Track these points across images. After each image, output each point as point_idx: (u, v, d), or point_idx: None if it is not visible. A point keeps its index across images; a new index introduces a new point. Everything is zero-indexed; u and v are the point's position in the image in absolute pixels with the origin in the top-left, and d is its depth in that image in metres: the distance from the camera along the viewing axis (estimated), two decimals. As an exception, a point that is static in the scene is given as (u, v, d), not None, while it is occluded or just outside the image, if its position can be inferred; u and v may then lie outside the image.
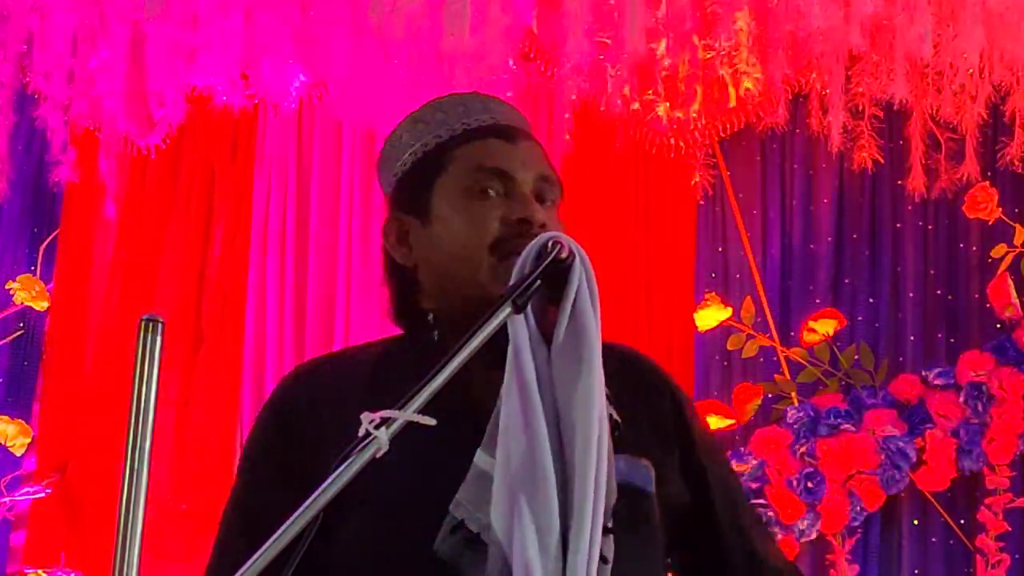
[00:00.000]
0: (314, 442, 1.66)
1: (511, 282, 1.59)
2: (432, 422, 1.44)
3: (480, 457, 1.61)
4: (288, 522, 1.36)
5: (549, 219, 1.73)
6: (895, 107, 4.50)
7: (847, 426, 4.46)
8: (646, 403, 1.78)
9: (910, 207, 4.70)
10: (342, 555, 1.65)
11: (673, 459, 1.76)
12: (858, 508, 4.46)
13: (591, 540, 1.54)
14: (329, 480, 1.38)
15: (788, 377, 4.64)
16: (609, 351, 1.69)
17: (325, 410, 1.70)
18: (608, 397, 1.65)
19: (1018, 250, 4.56)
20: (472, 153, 1.76)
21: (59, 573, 4.62)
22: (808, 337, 4.61)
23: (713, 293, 4.71)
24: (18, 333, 4.90)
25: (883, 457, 4.43)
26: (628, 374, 1.79)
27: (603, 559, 1.58)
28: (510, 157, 1.75)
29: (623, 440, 1.67)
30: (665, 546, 1.73)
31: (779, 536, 4.44)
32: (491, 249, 1.68)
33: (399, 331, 1.84)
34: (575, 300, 1.61)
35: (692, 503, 1.76)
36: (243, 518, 1.72)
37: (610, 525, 1.59)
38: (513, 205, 1.71)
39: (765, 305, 4.72)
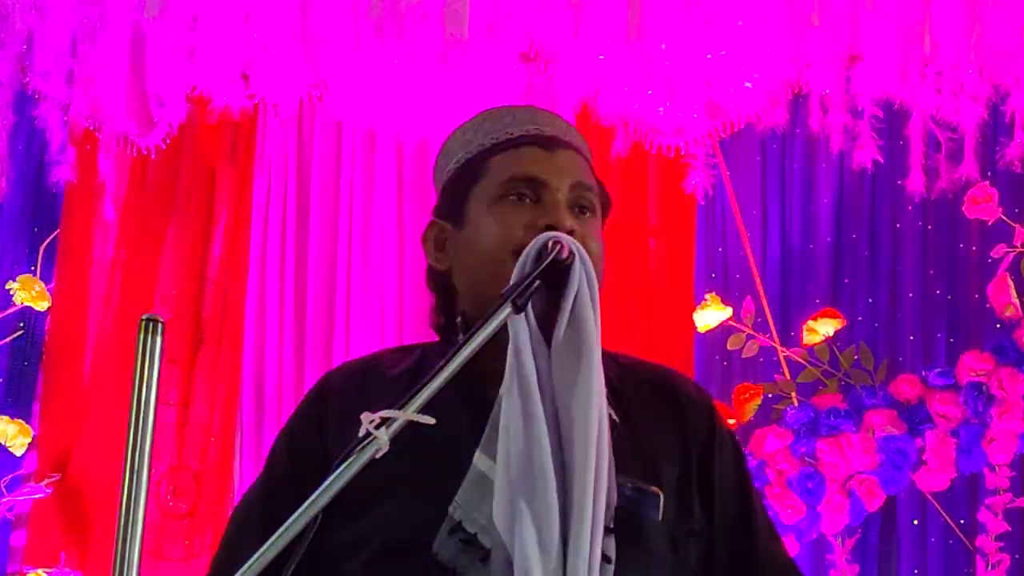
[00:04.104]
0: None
1: (511, 282, 1.60)
2: (431, 421, 1.44)
3: (479, 458, 1.61)
4: (288, 522, 1.36)
5: (583, 227, 1.73)
6: (895, 107, 4.51)
7: (847, 426, 4.46)
8: (673, 424, 1.77)
9: (910, 207, 4.70)
10: (345, 557, 1.65)
11: (695, 483, 1.75)
12: (858, 508, 4.46)
13: (591, 540, 1.54)
14: (329, 480, 1.38)
15: (788, 377, 4.64)
16: (635, 371, 1.69)
17: (347, 425, 1.65)
18: (609, 399, 1.66)
19: (1018, 250, 4.56)
20: (508, 160, 1.77)
21: (59, 573, 4.62)
22: (808, 337, 4.61)
23: (713, 293, 4.71)
24: (18, 333, 4.90)
25: (883, 457, 4.43)
26: (654, 395, 1.78)
27: (606, 559, 1.58)
28: (545, 164, 1.76)
29: (636, 465, 1.67)
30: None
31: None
32: (515, 254, 1.66)
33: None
34: (575, 300, 1.61)
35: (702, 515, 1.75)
36: (264, 512, 1.71)
37: (611, 525, 1.59)
38: (542, 211, 1.72)
39: (765, 305, 4.72)
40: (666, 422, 1.77)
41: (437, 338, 1.83)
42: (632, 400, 1.74)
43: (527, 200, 1.74)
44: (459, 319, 1.77)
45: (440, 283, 1.81)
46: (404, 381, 1.73)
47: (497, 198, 1.75)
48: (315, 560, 1.49)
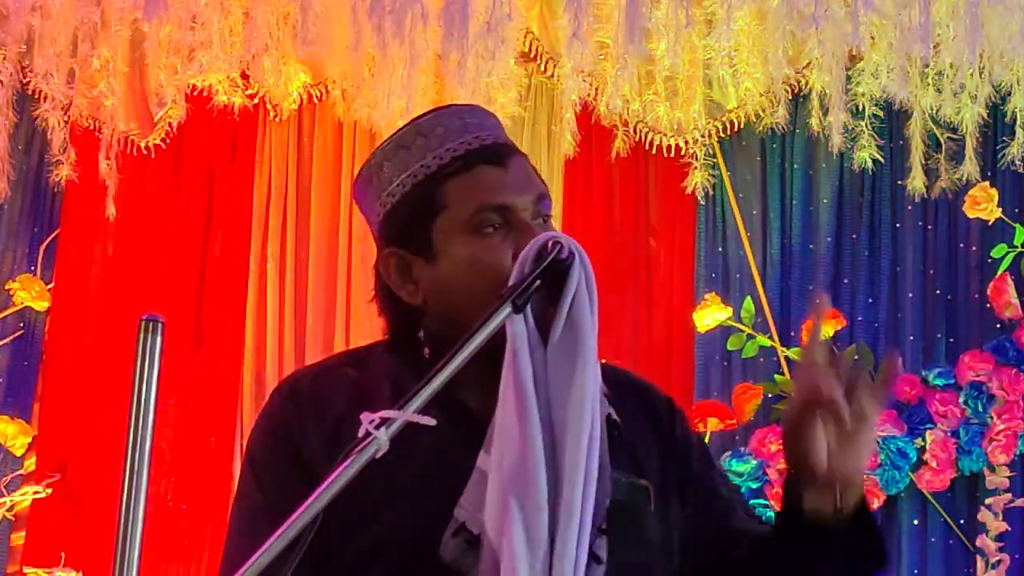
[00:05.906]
0: (311, 459, 1.64)
1: (511, 282, 1.59)
2: (432, 422, 1.43)
3: (482, 459, 1.61)
4: (288, 522, 1.36)
5: None
6: (895, 107, 4.51)
7: (847, 426, 4.46)
8: (650, 425, 1.79)
9: (910, 207, 4.70)
10: (350, 560, 1.65)
11: (674, 477, 1.77)
12: (858, 508, 4.45)
13: (578, 542, 1.54)
14: (329, 480, 1.38)
15: (788, 377, 4.63)
16: (610, 375, 1.70)
17: (319, 427, 1.67)
18: (606, 395, 1.66)
19: (1018, 250, 4.56)
20: (466, 188, 1.71)
21: (59, 573, 4.62)
22: (808, 337, 4.61)
23: (713, 293, 4.71)
24: (18, 333, 4.90)
25: (883, 457, 4.43)
26: (631, 397, 1.79)
27: (597, 559, 1.58)
28: (506, 186, 1.72)
29: (625, 460, 1.68)
30: (676, 566, 1.74)
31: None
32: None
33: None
34: (573, 300, 1.61)
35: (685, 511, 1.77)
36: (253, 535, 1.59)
37: (604, 526, 1.59)
38: (520, 237, 1.68)
39: (765, 305, 4.72)
40: (642, 419, 1.78)
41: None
42: (615, 398, 1.74)
43: (498, 226, 1.70)
44: (422, 333, 1.73)
45: (403, 311, 1.76)
46: (377, 384, 1.71)
47: (470, 231, 1.70)
48: (317, 571, 1.49)
